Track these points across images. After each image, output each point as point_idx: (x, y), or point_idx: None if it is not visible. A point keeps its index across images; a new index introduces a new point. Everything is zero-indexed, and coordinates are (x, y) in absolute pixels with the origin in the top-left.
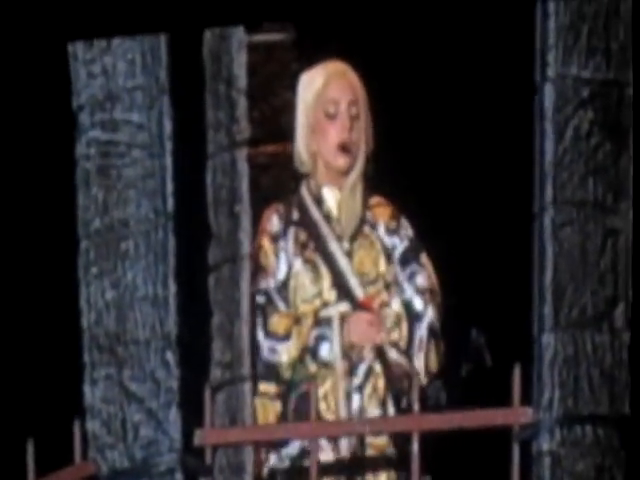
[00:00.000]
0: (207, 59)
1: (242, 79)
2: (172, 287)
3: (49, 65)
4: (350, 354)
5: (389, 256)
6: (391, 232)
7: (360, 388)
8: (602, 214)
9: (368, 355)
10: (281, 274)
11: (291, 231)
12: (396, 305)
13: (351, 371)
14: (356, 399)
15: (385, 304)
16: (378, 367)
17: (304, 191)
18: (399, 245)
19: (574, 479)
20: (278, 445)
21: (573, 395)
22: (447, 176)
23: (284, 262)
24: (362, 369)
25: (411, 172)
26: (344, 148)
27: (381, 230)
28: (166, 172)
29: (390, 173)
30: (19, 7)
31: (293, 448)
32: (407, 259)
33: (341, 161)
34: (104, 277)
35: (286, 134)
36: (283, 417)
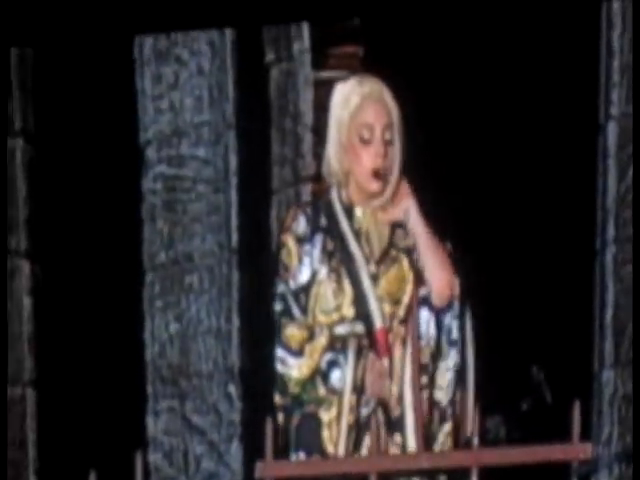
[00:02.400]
0: (273, 95)
1: (308, 115)
2: (235, 321)
3: (117, 100)
4: (359, 390)
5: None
6: None
7: (363, 430)
8: None
9: (372, 402)
10: (303, 278)
11: (319, 237)
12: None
13: (357, 408)
14: (357, 437)
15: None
16: (380, 416)
17: (334, 198)
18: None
19: None
20: None
21: (632, 432)
22: (510, 213)
23: (308, 266)
24: (364, 412)
25: (469, 208)
26: (377, 174)
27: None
28: (231, 207)
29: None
30: (84, 38)
31: None
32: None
33: (374, 186)
34: (168, 310)
35: None
36: (284, 431)
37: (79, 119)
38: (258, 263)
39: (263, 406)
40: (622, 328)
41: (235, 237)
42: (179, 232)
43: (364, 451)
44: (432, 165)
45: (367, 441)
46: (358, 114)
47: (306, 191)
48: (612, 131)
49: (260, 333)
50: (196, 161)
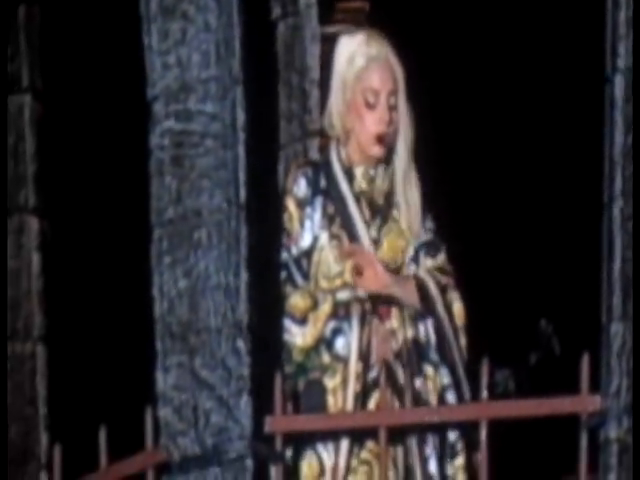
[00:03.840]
0: (280, 50)
1: (315, 70)
2: (244, 276)
3: (125, 57)
4: (365, 358)
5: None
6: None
7: (367, 395)
8: None
9: (376, 366)
10: (305, 243)
11: (319, 200)
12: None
13: (364, 374)
14: (363, 403)
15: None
16: (386, 378)
17: (334, 158)
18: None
19: None
20: None
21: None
22: (516, 166)
23: (309, 231)
24: (371, 376)
25: (478, 165)
26: (380, 140)
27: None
28: (239, 162)
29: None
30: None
31: None
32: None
33: (376, 150)
34: (177, 266)
35: None
36: (289, 398)
37: (87, 76)
38: (266, 218)
39: (272, 361)
40: (630, 281)
41: (243, 192)
42: (187, 188)
43: None
44: (435, 123)
45: (371, 407)
46: (363, 77)
47: (313, 146)
48: (619, 83)
49: (268, 288)
50: (204, 116)
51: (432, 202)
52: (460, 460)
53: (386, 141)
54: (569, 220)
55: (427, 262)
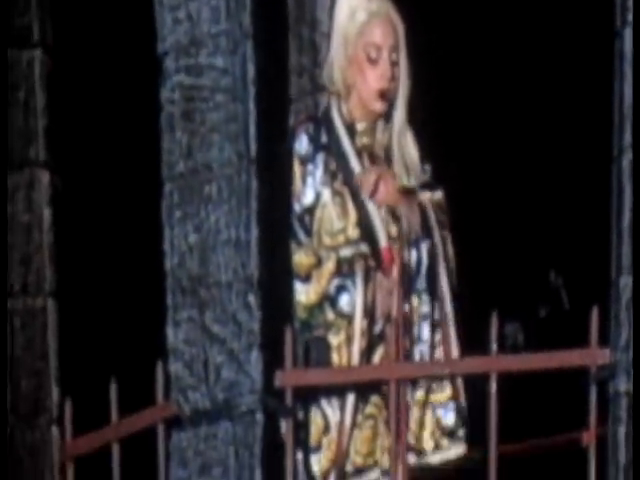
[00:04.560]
0: (291, 3)
1: (325, 23)
2: (254, 230)
3: (135, 11)
4: (370, 314)
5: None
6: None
7: (372, 350)
8: None
9: (381, 319)
10: (307, 200)
11: (320, 156)
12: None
13: (369, 331)
14: (368, 359)
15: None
16: (388, 329)
17: (334, 114)
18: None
19: None
20: None
21: None
22: (524, 117)
23: (311, 187)
24: (376, 331)
25: (482, 117)
26: (383, 95)
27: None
28: (249, 116)
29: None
30: None
31: None
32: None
33: (378, 106)
34: (187, 220)
35: None
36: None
37: (97, 31)
38: (277, 172)
39: (283, 316)
40: None
41: (254, 146)
42: (197, 142)
43: None
44: (438, 77)
45: (376, 361)
46: (365, 31)
47: (324, 100)
48: (628, 37)
49: (279, 243)
50: (214, 70)
51: (435, 154)
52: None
53: (388, 97)
54: (578, 173)
55: (426, 195)
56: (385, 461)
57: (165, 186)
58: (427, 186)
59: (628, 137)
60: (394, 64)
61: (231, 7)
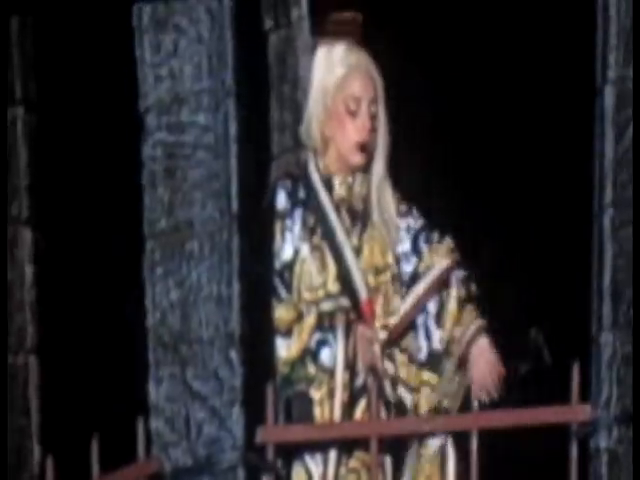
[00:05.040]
0: (273, 61)
1: (307, 81)
2: (236, 287)
3: (117, 69)
4: (351, 367)
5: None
6: (403, 214)
7: (354, 403)
8: None
9: (363, 372)
10: (286, 255)
11: (298, 212)
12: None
13: (350, 384)
14: (350, 412)
15: (389, 298)
16: (370, 382)
17: (312, 169)
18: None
19: (632, 477)
20: None
21: (631, 393)
22: (506, 176)
23: (290, 243)
24: (358, 383)
25: (464, 170)
26: (362, 148)
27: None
28: (231, 173)
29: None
30: (84, 7)
31: None
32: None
33: (357, 159)
34: (169, 277)
35: None
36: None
37: (79, 87)
38: (258, 229)
39: (264, 372)
40: (620, 291)
41: (235, 203)
42: (179, 199)
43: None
44: (422, 135)
45: (358, 415)
46: (345, 84)
47: (306, 157)
48: (609, 94)
49: (260, 299)
50: (196, 128)
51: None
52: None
53: (367, 149)
54: (559, 230)
55: (437, 248)
56: None
57: (147, 243)
58: (430, 235)
59: (609, 195)
60: (373, 116)
61: (213, 65)
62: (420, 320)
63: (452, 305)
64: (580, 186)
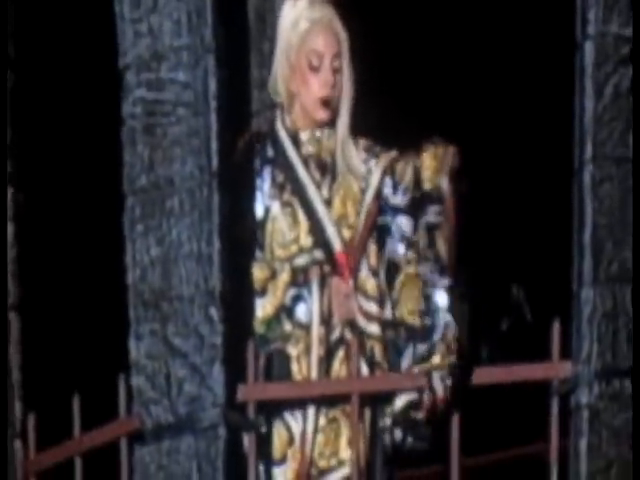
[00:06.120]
0: (252, 18)
1: None
2: (216, 244)
3: (96, 25)
4: (327, 321)
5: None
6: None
7: (331, 356)
8: None
9: (339, 325)
10: (257, 215)
11: (267, 170)
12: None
13: (326, 338)
14: (327, 366)
15: (363, 250)
16: (349, 335)
17: (279, 127)
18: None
19: (612, 433)
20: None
21: (612, 349)
22: (485, 132)
23: (260, 203)
24: (334, 337)
25: (444, 126)
26: (325, 103)
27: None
28: (211, 130)
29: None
30: None
31: None
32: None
33: (321, 114)
34: (149, 234)
35: None
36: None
37: (58, 44)
38: (238, 185)
39: (244, 329)
40: (601, 247)
41: (215, 160)
42: (159, 156)
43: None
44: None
45: (336, 367)
46: (307, 39)
47: (274, 114)
48: (589, 50)
49: (240, 256)
50: (175, 85)
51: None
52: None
53: (331, 105)
54: (540, 186)
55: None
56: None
57: (127, 200)
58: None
59: (589, 150)
60: (336, 71)
61: (193, 21)
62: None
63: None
64: (560, 141)
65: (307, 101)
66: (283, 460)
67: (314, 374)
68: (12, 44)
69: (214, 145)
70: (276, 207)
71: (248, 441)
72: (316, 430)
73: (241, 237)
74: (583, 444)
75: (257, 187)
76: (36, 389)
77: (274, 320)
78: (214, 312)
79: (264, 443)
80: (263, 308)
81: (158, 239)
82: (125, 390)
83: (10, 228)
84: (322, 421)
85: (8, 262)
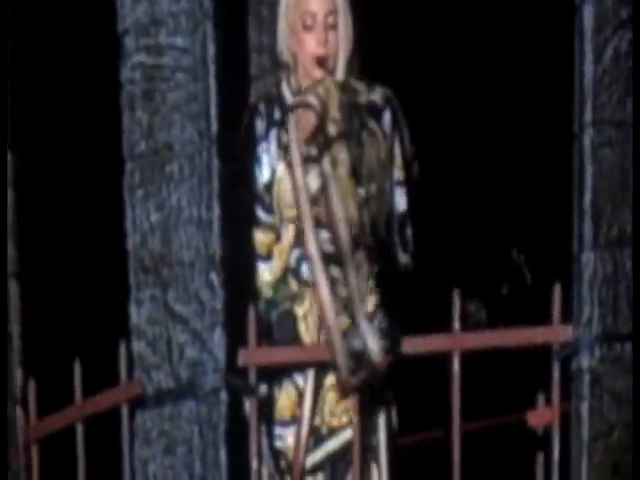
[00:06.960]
0: None
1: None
2: (216, 209)
3: None
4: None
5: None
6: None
7: None
8: None
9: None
10: (264, 178)
11: (273, 132)
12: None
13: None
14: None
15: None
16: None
17: (285, 89)
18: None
19: (613, 396)
20: None
21: (612, 313)
22: (485, 97)
23: (267, 165)
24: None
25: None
26: (320, 61)
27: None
28: (210, 95)
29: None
30: None
31: None
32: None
33: (317, 73)
34: (149, 199)
35: None
36: (265, 334)
37: (56, 10)
38: (238, 151)
39: (245, 294)
40: (601, 210)
41: (214, 125)
42: (158, 121)
43: None
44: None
45: None
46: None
47: (280, 77)
48: (588, 13)
49: (241, 221)
50: (174, 50)
51: None
52: None
53: (326, 63)
54: (540, 150)
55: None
56: None
57: (126, 165)
58: None
59: (589, 115)
60: (330, 28)
61: None
62: None
63: None
64: (560, 105)
65: (305, 60)
66: (293, 420)
67: (317, 331)
68: (10, 8)
69: (213, 110)
70: (281, 168)
71: (249, 405)
72: (320, 387)
73: (242, 201)
74: (584, 408)
75: (264, 150)
76: (36, 355)
77: (281, 282)
78: (214, 277)
79: (266, 407)
80: (270, 271)
81: (158, 204)
82: (126, 356)
83: (10, 194)
84: (330, 379)
85: (7, 229)
